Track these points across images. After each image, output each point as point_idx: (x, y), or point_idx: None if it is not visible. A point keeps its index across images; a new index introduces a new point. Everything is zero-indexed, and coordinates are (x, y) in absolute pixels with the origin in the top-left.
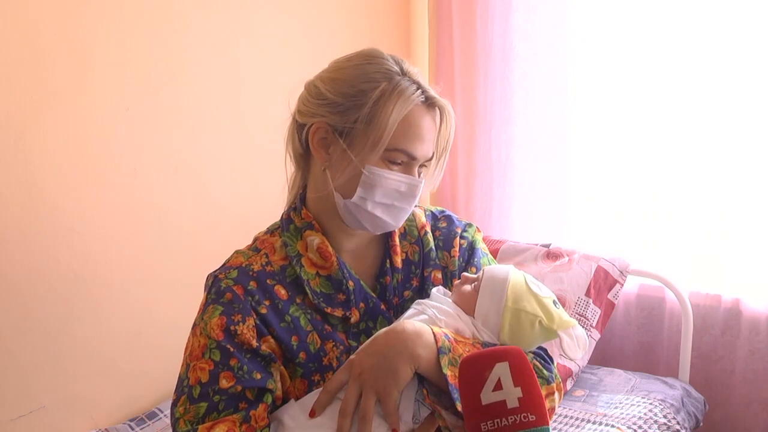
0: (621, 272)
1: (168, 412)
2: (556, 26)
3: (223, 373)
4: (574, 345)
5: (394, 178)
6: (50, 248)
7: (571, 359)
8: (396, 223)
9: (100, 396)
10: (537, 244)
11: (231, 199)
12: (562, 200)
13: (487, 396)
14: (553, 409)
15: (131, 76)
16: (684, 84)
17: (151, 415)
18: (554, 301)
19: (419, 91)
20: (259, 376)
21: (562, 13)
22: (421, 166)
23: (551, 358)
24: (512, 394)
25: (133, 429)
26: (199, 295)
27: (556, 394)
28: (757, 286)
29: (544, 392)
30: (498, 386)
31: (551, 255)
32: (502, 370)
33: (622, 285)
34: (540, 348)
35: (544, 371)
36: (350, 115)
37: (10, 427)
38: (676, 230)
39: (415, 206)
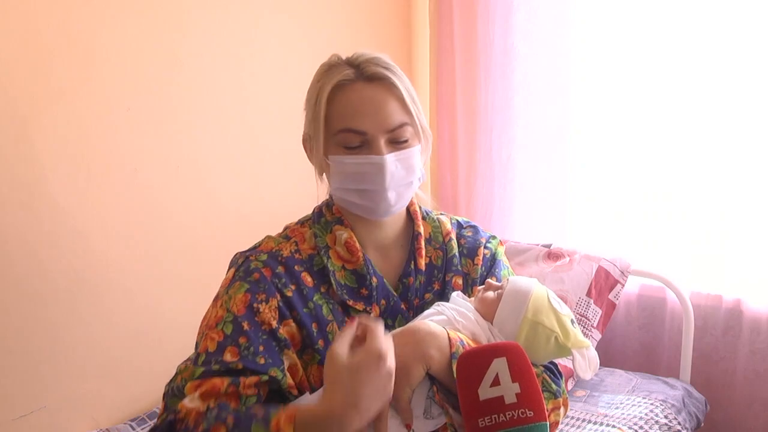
0: (622, 272)
1: None
2: (557, 26)
3: (230, 347)
4: (586, 365)
5: (350, 161)
6: (52, 248)
7: (580, 378)
8: (375, 206)
9: (101, 396)
10: (538, 245)
11: (232, 198)
12: (563, 200)
13: (485, 391)
14: (557, 423)
15: (132, 75)
16: (684, 84)
17: (152, 415)
18: (572, 320)
19: (352, 70)
20: (262, 361)
21: (563, 13)
22: (399, 142)
23: (561, 373)
24: (510, 390)
25: (134, 429)
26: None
27: (562, 409)
28: (758, 286)
29: (550, 406)
30: (496, 382)
31: (552, 255)
32: (500, 366)
33: (623, 285)
34: (551, 362)
35: (553, 385)
36: (309, 118)
37: (11, 427)
38: (677, 230)
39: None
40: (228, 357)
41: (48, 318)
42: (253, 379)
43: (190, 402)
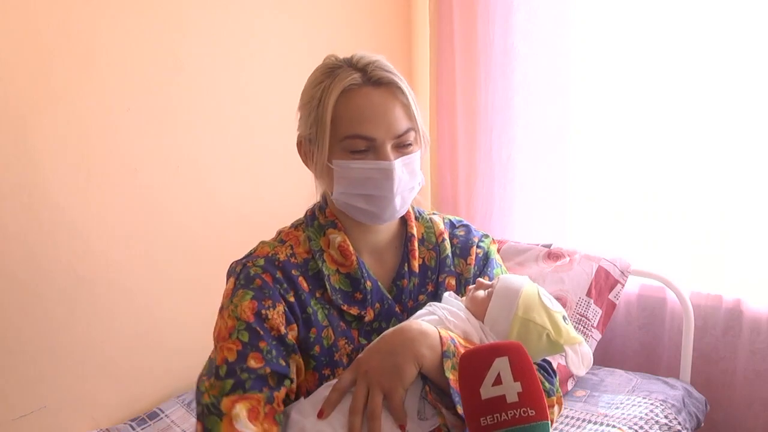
0: (622, 272)
1: (169, 411)
2: (557, 26)
3: (252, 353)
4: (579, 361)
5: (358, 166)
6: (52, 248)
7: (580, 378)
8: (381, 212)
9: (101, 396)
10: (538, 245)
11: (232, 198)
12: (563, 200)
13: (487, 390)
14: (552, 421)
15: (132, 75)
16: (684, 84)
17: (152, 415)
18: (564, 317)
19: (358, 74)
20: (283, 363)
21: (563, 13)
22: (402, 146)
23: (555, 372)
24: (512, 389)
25: (134, 429)
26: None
27: (556, 408)
28: (758, 286)
29: None
30: (497, 381)
31: (552, 255)
32: (501, 365)
33: (623, 285)
34: (544, 360)
35: (546, 383)
36: (309, 120)
37: (11, 427)
38: (677, 230)
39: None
40: (253, 363)
41: (48, 318)
42: (282, 391)
43: (245, 428)
